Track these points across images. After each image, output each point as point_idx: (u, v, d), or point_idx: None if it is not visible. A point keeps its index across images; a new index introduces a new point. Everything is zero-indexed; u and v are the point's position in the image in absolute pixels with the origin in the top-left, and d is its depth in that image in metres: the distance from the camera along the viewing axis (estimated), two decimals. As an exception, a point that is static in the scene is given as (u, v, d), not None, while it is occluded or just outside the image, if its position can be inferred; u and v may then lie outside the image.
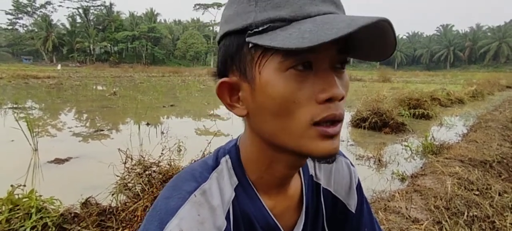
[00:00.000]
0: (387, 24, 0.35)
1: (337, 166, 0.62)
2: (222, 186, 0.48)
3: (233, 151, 0.52)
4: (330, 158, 0.42)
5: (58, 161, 3.74)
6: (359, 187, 0.64)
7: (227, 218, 0.46)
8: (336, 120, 0.41)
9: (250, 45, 0.40)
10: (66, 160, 3.81)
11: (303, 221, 0.55)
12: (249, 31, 0.40)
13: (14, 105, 7.90)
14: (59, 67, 40.68)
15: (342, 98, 0.41)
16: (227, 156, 0.51)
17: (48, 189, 3.05)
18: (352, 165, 0.65)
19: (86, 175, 3.25)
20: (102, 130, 5.64)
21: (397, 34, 0.54)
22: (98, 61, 62.48)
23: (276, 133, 0.43)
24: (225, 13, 0.45)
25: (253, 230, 0.49)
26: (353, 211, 0.62)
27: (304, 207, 0.55)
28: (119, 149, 2.27)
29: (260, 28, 0.39)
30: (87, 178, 3.14)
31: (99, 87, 16.06)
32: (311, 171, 0.59)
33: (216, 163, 0.50)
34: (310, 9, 0.39)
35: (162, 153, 2.26)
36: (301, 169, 0.58)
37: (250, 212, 0.49)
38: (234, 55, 0.43)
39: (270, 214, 0.51)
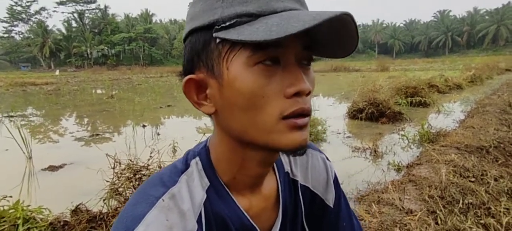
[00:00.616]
0: (349, 18, 0.37)
1: (313, 161, 0.62)
2: (192, 189, 0.47)
3: (203, 152, 0.51)
4: (300, 149, 0.42)
5: (52, 168, 3.73)
6: (336, 181, 0.64)
7: (199, 221, 0.45)
8: (304, 114, 0.42)
9: (218, 40, 0.41)
10: (60, 166, 3.80)
11: (280, 220, 0.54)
12: (216, 27, 0.40)
13: (10, 114, 7.87)
14: (57, 73, 40.67)
15: (309, 93, 0.42)
16: (197, 158, 0.50)
17: (41, 197, 3.05)
18: (328, 159, 0.65)
19: (79, 182, 3.24)
20: (99, 134, 5.63)
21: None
22: (96, 65, 62.47)
23: (245, 129, 0.43)
24: (191, 10, 0.45)
25: None
26: (331, 206, 0.61)
27: (281, 206, 0.55)
28: (107, 154, 2.25)
29: (227, 23, 0.39)
30: (80, 184, 3.12)
31: (98, 91, 16.06)
32: (287, 168, 0.58)
33: (186, 166, 0.49)
34: (276, 5, 0.40)
35: (150, 156, 2.24)
36: (276, 167, 0.57)
37: (224, 213, 0.48)
38: (201, 52, 0.43)
39: (246, 214, 0.50)
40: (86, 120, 7.56)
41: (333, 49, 0.44)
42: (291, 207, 0.57)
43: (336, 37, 0.42)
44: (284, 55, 0.41)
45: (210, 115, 0.47)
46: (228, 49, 0.40)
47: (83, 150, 4.74)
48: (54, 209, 2.35)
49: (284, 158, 0.59)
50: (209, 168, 0.49)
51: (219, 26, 0.40)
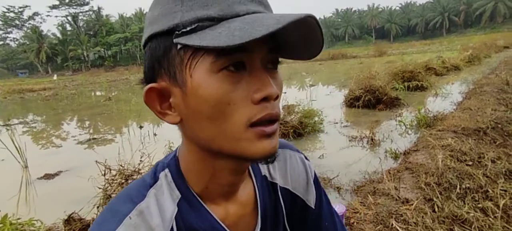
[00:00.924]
0: (313, 20, 0.36)
1: (292, 162, 0.60)
2: (161, 203, 0.45)
3: (172, 163, 0.48)
4: (270, 157, 0.41)
5: (48, 177, 3.72)
6: (316, 181, 0.63)
7: None
8: (272, 120, 0.41)
9: (179, 46, 0.39)
10: (56, 174, 3.78)
11: (260, 225, 0.52)
12: (177, 32, 0.38)
13: (7, 123, 7.85)
14: (55, 77, 40.56)
15: (277, 97, 0.41)
16: (166, 170, 0.48)
17: (37, 207, 3.04)
18: (307, 159, 0.63)
19: (74, 189, 3.21)
20: (95, 138, 5.60)
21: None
22: (93, 67, 62.22)
23: (212, 138, 0.41)
24: (150, 15, 0.42)
25: None
26: (313, 206, 0.60)
27: (260, 211, 0.53)
28: (96, 161, 2.22)
29: (188, 28, 0.38)
30: (76, 192, 3.10)
31: (97, 93, 16.02)
32: (264, 172, 0.57)
33: (155, 179, 0.47)
34: (239, 8, 0.38)
35: (140, 160, 2.21)
36: (252, 172, 0.55)
37: (198, 226, 0.46)
38: (162, 59, 0.41)
39: (222, 224, 0.48)
40: (83, 124, 7.54)
41: (299, 51, 0.43)
42: (271, 211, 0.55)
43: (301, 40, 0.40)
44: (249, 59, 0.39)
45: (176, 124, 0.45)
46: (190, 56, 0.38)
47: (79, 156, 4.72)
48: (51, 219, 2.34)
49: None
50: (179, 180, 0.47)
51: (180, 31, 0.38)
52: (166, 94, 0.42)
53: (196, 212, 0.46)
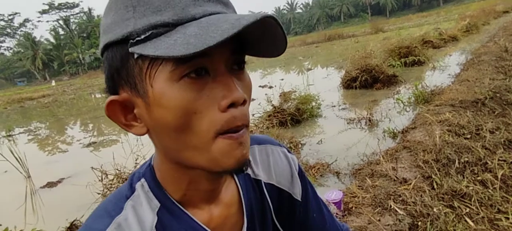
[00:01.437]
0: (272, 20, 0.35)
1: (274, 157, 0.59)
2: (140, 214, 0.44)
3: (148, 172, 0.47)
4: (242, 166, 0.40)
5: (50, 185, 3.75)
6: (301, 173, 0.62)
7: None
8: (241, 126, 0.39)
9: (136, 55, 0.37)
10: (59, 181, 3.81)
11: (246, 224, 0.52)
12: (131, 41, 0.36)
13: (8, 134, 7.89)
14: (53, 83, 40.53)
15: (245, 102, 0.39)
16: (143, 179, 0.46)
17: (42, 215, 3.07)
18: (289, 152, 0.62)
19: (77, 196, 3.23)
20: (95, 142, 5.62)
21: None
22: (90, 70, 61.97)
23: (180, 150, 0.40)
24: (103, 22, 0.41)
25: None
26: (299, 199, 0.60)
27: (245, 209, 0.52)
28: (92, 168, 2.22)
29: (142, 36, 0.36)
30: (78, 198, 3.12)
31: (97, 95, 16.01)
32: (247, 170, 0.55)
33: (131, 190, 0.46)
34: (195, 11, 0.36)
35: (136, 163, 2.21)
36: None
37: None
38: (120, 69, 0.39)
39: (206, 228, 0.47)
40: (84, 128, 7.56)
41: (264, 49, 0.41)
42: (257, 209, 0.54)
43: (264, 38, 0.39)
44: (211, 64, 0.37)
45: (143, 135, 0.43)
46: (148, 65, 0.37)
47: (81, 161, 4.74)
48: (54, 226, 2.37)
49: None
50: (156, 188, 0.46)
51: (134, 40, 0.36)
52: (129, 106, 0.41)
53: (177, 219, 0.45)
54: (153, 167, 0.47)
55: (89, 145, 5.51)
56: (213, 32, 0.33)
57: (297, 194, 0.60)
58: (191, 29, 0.34)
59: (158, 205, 0.45)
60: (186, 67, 0.36)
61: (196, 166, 0.40)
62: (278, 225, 0.58)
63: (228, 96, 0.37)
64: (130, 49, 0.36)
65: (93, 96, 16.28)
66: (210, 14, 0.36)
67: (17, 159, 3.97)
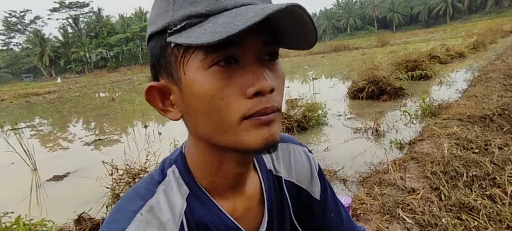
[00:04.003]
0: (298, 8, 0.35)
1: (295, 156, 0.61)
2: (171, 199, 0.46)
3: (179, 159, 0.49)
4: (270, 146, 0.41)
5: (57, 178, 3.77)
6: (320, 173, 0.63)
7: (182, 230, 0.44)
8: (268, 113, 0.40)
9: (172, 44, 0.39)
10: (65, 175, 3.83)
11: (267, 218, 0.53)
12: (169, 31, 0.39)
13: (14, 127, 7.96)
14: (59, 80, 40.89)
15: (272, 90, 0.40)
16: (174, 166, 0.49)
17: (48, 208, 3.09)
18: (310, 152, 0.64)
19: (83, 190, 3.25)
20: (101, 139, 5.66)
21: None
22: (96, 69, 62.58)
23: (211, 133, 0.42)
24: (150, 15, 0.44)
25: None
26: (318, 198, 0.61)
27: (266, 204, 0.54)
28: (103, 162, 2.25)
29: (178, 26, 0.38)
30: (84, 192, 3.14)
31: (102, 94, 16.12)
32: (269, 166, 0.57)
33: (163, 176, 0.48)
34: (227, 2, 0.38)
35: (146, 159, 2.24)
36: (257, 165, 0.56)
37: (207, 219, 0.47)
38: (160, 58, 0.42)
39: (230, 217, 0.49)
40: (89, 125, 7.60)
41: (295, 41, 0.42)
42: (277, 205, 0.56)
43: (294, 28, 0.40)
44: (241, 54, 0.39)
45: (178, 120, 0.46)
46: (182, 53, 0.39)
47: (86, 156, 4.77)
48: (61, 219, 2.38)
49: (265, 156, 0.58)
50: (186, 175, 0.48)
51: (172, 30, 0.39)
52: (166, 92, 0.44)
53: (205, 206, 0.47)
54: (184, 154, 0.50)
55: (94, 141, 5.54)
56: (238, 21, 0.34)
57: (316, 193, 0.61)
58: (221, 19, 0.36)
59: (187, 191, 0.47)
60: (215, 56, 0.38)
61: (226, 146, 0.42)
62: (296, 223, 0.59)
63: (255, 85, 0.39)
64: (168, 39, 0.39)
65: (97, 95, 16.38)
66: (241, 5, 0.38)
67: (25, 151, 4.00)
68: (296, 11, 0.35)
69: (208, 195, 0.48)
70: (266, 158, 0.58)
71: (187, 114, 0.43)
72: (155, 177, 0.48)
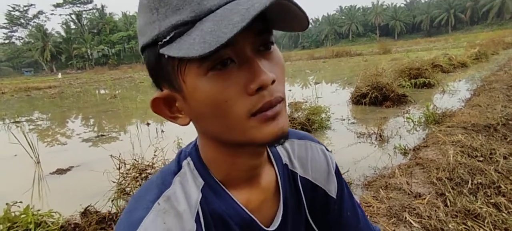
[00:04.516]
0: (282, 0, 0.34)
1: (312, 153, 0.61)
2: (187, 189, 0.46)
3: (193, 152, 0.50)
4: (280, 138, 0.41)
5: (60, 172, 3.77)
6: (337, 171, 0.63)
7: (197, 221, 0.45)
8: (273, 105, 0.40)
9: (166, 55, 0.38)
10: (68, 169, 3.83)
11: (282, 211, 0.54)
12: (160, 43, 0.38)
13: (17, 120, 7.95)
14: (59, 75, 40.85)
15: (274, 81, 0.39)
16: (189, 158, 0.50)
17: (51, 200, 3.09)
18: (327, 150, 0.64)
19: (87, 183, 3.26)
20: (104, 135, 5.66)
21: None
22: (97, 65, 62.61)
23: (221, 133, 0.43)
24: (138, 24, 0.43)
25: (228, 229, 0.48)
26: (334, 197, 0.61)
27: (282, 197, 0.54)
28: (111, 156, 2.26)
29: (167, 38, 0.38)
30: (89, 186, 3.15)
31: (101, 91, 16.13)
32: (285, 160, 0.57)
33: (179, 167, 0.49)
34: (210, 3, 0.37)
35: (154, 155, 2.24)
36: (273, 158, 0.56)
37: (222, 211, 0.47)
38: (157, 69, 0.42)
39: (245, 209, 0.49)
40: (91, 121, 7.61)
41: (287, 25, 0.42)
42: (292, 199, 0.56)
43: (284, 16, 0.39)
44: (236, 52, 0.39)
45: (187, 124, 0.46)
46: (178, 63, 0.39)
47: (89, 151, 4.78)
48: (64, 212, 2.38)
49: (281, 150, 0.58)
50: (201, 167, 0.49)
51: (162, 42, 0.38)
52: (171, 100, 0.44)
53: (220, 198, 0.48)
54: (198, 147, 0.50)
55: (97, 137, 5.55)
56: (225, 28, 0.33)
57: (332, 191, 0.61)
58: (207, 25, 0.35)
59: (202, 183, 0.48)
60: (210, 61, 0.37)
61: (237, 143, 0.43)
62: (311, 222, 0.59)
63: (254, 81, 0.38)
64: (161, 51, 0.38)
65: (98, 92, 16.39)
66: (225, 4, 0.37)
67: (29, 144, 4.00)
68: (280, 3, 0.35)
69: (223, 187, 0.49)
70: (282, 152, 0.58)
71: (195, 118, 0.44)
72: (171, 168, 0.49)
